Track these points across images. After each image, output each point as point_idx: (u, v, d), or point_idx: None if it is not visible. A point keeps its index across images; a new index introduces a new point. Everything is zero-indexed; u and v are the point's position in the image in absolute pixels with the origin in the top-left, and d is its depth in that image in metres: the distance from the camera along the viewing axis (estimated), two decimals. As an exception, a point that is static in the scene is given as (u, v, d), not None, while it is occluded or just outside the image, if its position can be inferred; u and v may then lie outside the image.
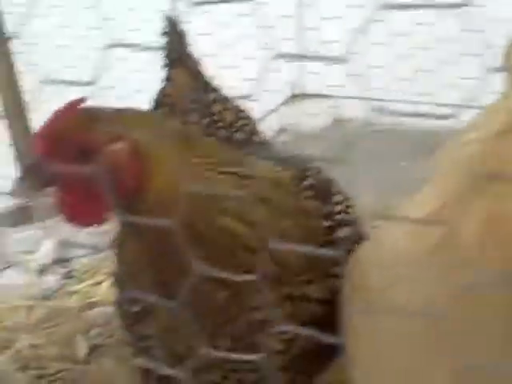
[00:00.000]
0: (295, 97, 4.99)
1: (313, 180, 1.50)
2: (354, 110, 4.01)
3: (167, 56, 1.94)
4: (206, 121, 1.82)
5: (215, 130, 1.80)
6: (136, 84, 3.41)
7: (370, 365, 1.13)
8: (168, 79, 1.93)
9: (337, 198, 1.53)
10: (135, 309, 1.53)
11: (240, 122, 1.84)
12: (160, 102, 1.93)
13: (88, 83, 0.96)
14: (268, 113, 3.98)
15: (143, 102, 1.80)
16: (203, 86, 1.91)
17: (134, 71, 3.53)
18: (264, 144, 1.83)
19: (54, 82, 1.06)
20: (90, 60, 1.19)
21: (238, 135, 1.80)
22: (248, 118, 1.88)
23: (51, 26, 4.01)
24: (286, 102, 4.58)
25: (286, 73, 3.97)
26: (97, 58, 0.97)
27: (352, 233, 1.50)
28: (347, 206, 1.54)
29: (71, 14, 4.11)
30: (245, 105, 1.92)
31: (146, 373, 1.57)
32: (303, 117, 4.10)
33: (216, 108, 1.85)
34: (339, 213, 1.50)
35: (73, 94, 1.14)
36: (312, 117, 4.08)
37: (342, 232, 1.47)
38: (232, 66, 3.46)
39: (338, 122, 4.43)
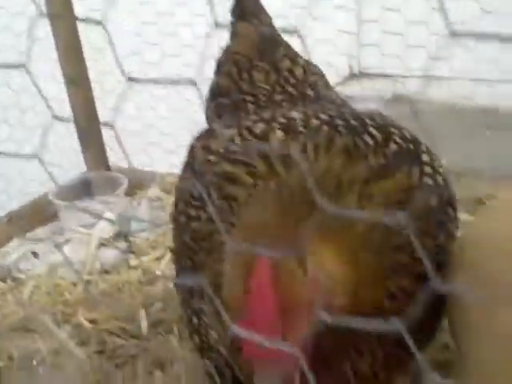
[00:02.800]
0: (353, 76, 4.86)
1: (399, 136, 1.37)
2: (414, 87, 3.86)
3: (234, 8, 1.81)
4: (273, 78, 1.69)
5: (284, 88, 1.67)
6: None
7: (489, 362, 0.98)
8: (233, 35, 1.80)
9: (424, 157, 1.38)
10: (191, 283, 1.43)
11: (312, 78, 1.69)
12: (223, 61, 1.80)
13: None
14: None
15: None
16: (272, 41, 1.77)
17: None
18: (337, 100, 1.68)
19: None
20: None
21: (309, 91, 1.65)
22: (320, 73, 1.73)
23: None
24: (343, 82, 4.44)
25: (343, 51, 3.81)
26: None
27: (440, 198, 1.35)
28: (434, 167, 1.39)
29: None
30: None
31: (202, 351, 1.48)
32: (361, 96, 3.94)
33: (285, 64, 1.72)
34: (427, 175, 1.35)
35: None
36: (371, 97, 3.92)
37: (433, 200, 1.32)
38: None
39: (397, 100, 4.31)
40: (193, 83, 0.65)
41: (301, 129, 1.37)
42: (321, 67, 1.77)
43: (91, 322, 2.29)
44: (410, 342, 0.58)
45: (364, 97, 3.86)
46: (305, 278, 0.99)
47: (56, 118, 0.82)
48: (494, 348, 0.94)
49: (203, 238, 1.38)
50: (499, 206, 1.06)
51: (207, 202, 1.34)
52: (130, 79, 0.73)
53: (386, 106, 4.11)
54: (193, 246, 1.47)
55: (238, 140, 1.42)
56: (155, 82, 0.84)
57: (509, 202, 1.01)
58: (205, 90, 1.69)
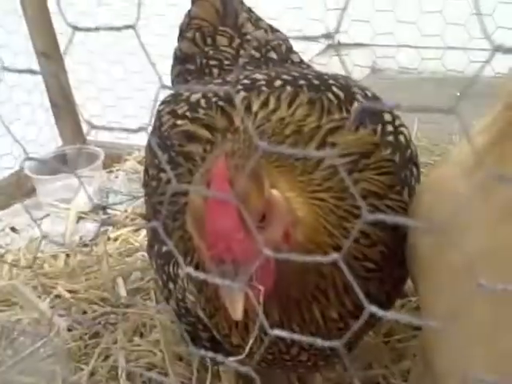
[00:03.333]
0: (331, 46, 4.86)
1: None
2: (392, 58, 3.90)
3: None
4: (236, 42, 1.71)
5: (247, 51, 1.69)
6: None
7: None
8: (195, 0, 1.81)
9: (386, 116, 1.41)
10: (166, 249, 1.46)
11: (275, 42, 1.71)
12: (186, 27, 1.81)
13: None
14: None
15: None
16: (233, 5, 1.78)
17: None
18: (302, 64, 1.71)
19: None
20: None
21: (273, 55, 1.67)
22: (283, 37, 1.75)
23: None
24: (321, 52, 4.45)
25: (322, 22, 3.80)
26: None
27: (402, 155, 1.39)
28: (396, 126, 1.43)
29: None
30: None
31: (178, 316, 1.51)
32: (339, 66, 3.95)
33: (248, 28, 1.73)
34: (389, 133, 1.39)
35: None
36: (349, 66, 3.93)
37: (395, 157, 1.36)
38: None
39: (376, 71, 4.35)
40: (131, 27, 0.67)
41: (264, 88, 1.40)
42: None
43: (71, 292, 2.32)
44: (347, 272, 0.61)
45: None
46: (261, 196, 1.02)
47: (5, 68, 0.83)
48: (444, 284, 0.99)
49: (169, 202, 1.41)
50: (452, 156, 1.11)
51: (163, 163, 1.37)
52: (74, 27, 0.75)
53: (364, 76, 4.17)
54: (162, 210, 1.49)
55: (203, 103, 1.44)
56: (97, 29, 0.82)
57: (460, 153, 1.06)
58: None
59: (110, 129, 0.87)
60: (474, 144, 1.00)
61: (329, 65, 3.99)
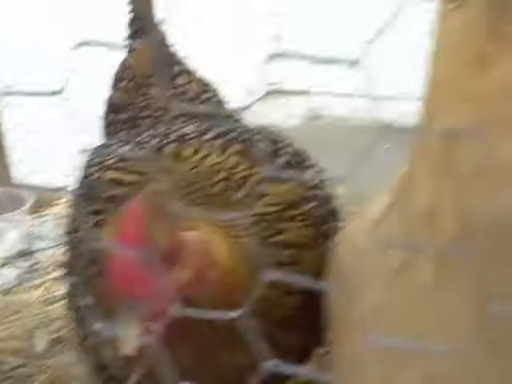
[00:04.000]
0: (270, 94, 4.95)
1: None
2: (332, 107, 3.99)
3: (130, 25, 1.84)
4: (168, 94, 1.73)
5: (179, 103, 1.71)
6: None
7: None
8: (130, 51, 1.83)
9: (310, 171, 1.46)
10: (85, 302, 1.43)
11: (206, 95, 1.75)
12: (120, 76, 1.83)
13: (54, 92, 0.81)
14: (241, 110, 3.85)
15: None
16: (167, 57, 1.81)
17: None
18: (231, 117, 1.74)
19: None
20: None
21: (204, 108, 1.70)
22: (214, 90, 1.79)
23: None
24: (259, 99, 4.52)
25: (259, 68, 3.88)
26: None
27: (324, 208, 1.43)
28: (319, 183, 1.47)
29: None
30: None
31: (97, 370, 1.47)
32: (277, 114, 4.01)
33: (180, 80, 1.76)
34: (315, 187, 1.44)
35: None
36: (286, 115, 4.01)
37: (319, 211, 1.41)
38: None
39: (314, 120, 4.43)
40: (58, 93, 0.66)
41: (196, 140, 1.42)
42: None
43: (-12, 341, 2.22)
44: (249, 331, 0.61)
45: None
46: (171, 236, 1.04)
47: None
48: (345, 340, 1.00)
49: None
50: (366, 209, 1.14)
51: (82, 217, 1.37)
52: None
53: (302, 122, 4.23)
54: (81, 261, 1.47)
55: (131, 154, 1.45)
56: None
57: (373, 207, 1.09)
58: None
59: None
60: (380, 199, 1.04)
61: (267, 113, 4.05)
